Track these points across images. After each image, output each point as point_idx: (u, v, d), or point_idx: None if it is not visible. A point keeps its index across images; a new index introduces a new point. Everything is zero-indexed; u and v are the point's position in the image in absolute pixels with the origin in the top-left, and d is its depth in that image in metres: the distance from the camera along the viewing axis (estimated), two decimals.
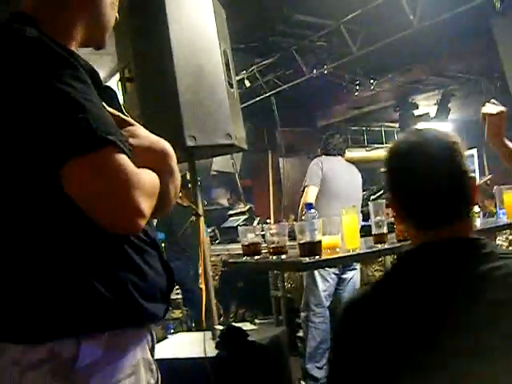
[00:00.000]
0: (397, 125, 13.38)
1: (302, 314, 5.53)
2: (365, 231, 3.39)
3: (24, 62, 1.29)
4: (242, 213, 8.96)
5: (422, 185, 1.55)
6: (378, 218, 2.92)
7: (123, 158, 1.31)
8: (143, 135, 1.51)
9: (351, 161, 6.05)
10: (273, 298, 6.29)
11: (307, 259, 2.59)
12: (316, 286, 5.29)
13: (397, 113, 12.35)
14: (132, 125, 1.53)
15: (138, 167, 1.36)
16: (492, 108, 2.47)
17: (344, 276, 5.44)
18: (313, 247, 2.61)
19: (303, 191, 5.50)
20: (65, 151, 1.25)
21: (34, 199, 1.35)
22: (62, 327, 1.35)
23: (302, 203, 5.36)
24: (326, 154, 5.75)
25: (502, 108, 2.46)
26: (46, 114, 1.26)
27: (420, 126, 12.87)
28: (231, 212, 9.38)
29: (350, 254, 2.78)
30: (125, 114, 1.55)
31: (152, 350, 1.59)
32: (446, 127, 12.86)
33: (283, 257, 2.78)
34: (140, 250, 1.49)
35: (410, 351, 1.43)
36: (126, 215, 1.32)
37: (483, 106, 2.59)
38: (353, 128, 14.58)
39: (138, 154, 1.41)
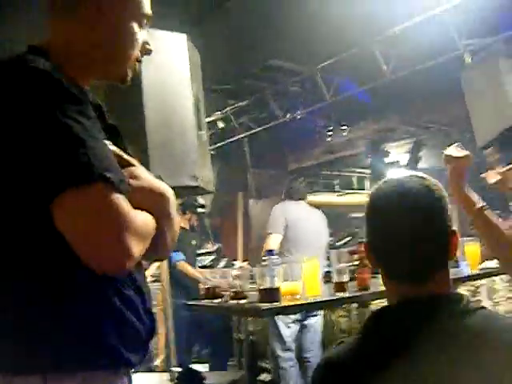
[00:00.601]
0: (368, 171, 13.49)
1: (271, 364, 5.43)
2: (330, 277, 3.39)
3: (30, 93, 1.29)
4: (210, 253, 8.91)
5: (401, 238, 1.50)
6: (340, 265, 2.93)
7: (117, 197, 1.28)
8: (144, 177, 1.49)
9: (320, 205, 6.07)
10: (235, 341, 6.26)
11: (266, 305, 2.58)
12: (279, 332, 5.24)
13: (368, 159, 12.46)
14: (134, 165, 1.51)
15: (135, 208, 1.34)
16: (457, 151, 2.41)
17: (306, 322, 5.40)
18: (272, 293, 2.61)
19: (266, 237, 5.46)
20: (59, 182, 1.24)
21: (21, 234, 1.33)
22: (28, 363, 1.33)
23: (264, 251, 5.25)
24: (289, 199, 5.74)
25: (467, 152, 2.40)
26: (46, 146, 1.25)
27: (402, 172, 12.99)
28: (199, 251, 9.32)
29: (309, 301, 2.78)
30: (128, 154, 1.53)
31: None
32: None
33: (242, 302, 2.77)
34: (123, 295, 1.44)
35: None
36: (114, 255, 1.29)
37: (446, 149, 2.53)
38: (324, 173, 14.66)
39: (136, 196, 1.38)
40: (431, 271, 1.51)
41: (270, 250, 2.87)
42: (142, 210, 1.38)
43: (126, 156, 1.51)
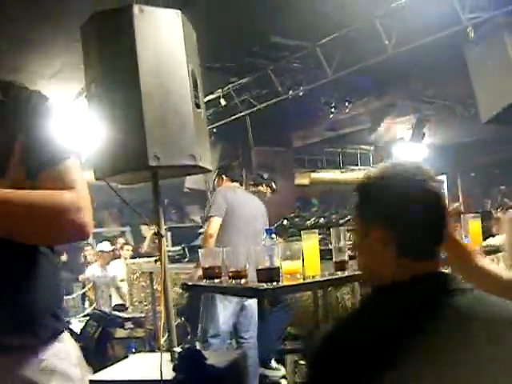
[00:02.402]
0: (372, 147, 13.48)
1: (198, 345, 5.35)
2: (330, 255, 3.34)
3: None
4: None
5: (421, 215, 1.53)
6: (340, 243, 2.89)
7: None
8: None
9: (323, 182, 6.05)
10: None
11: (265, 285, 2.55)
12: (216, 315, 5.21)
13: (372, 136, 12.41)
14: None
15: None
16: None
17: (245, 303, 5.43)
18: (271, 273, 2.58)
19: (206, 220, 5.51)
20: None
21: None
22: None
23: (206, 234, 5.38)
24: (233, 181, 5.79)
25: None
26: None
27: (396, 152, 12.96)
28: (202, 230, 9.27)
29: (309, 281, 2.74)
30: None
31: None
32: (421, 151, 12.97)
33: (242, 281, 2.74)
34: None
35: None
36: None
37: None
38: (328, 150, 14.63)
39: None
40: (437, 251, 1.57)
41: (269, 229, 2.84)
42: None
43: None
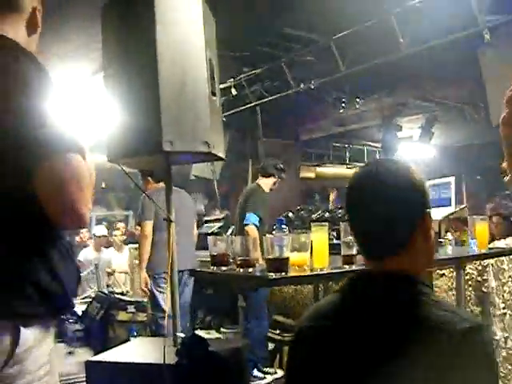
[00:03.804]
0: (379, 144, 13.45)
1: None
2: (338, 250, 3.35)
3: None
4: (218, 220, 8.91)
5: (365, 216, 1.58)
6: (348, 238, 2.90)
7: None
8: None
9: (329, 177, 6.04)
10: (240, 308, 6.27)
11: (273, 275, 2.56)
12: (159, 302, 5.71)
13: (380, 133, 12.39)
14: None
15: None
16: None
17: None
18: (280, 263, 2.58)
19: (139, 225, 6.03)
20: None
21: None
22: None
23: (141, 236, 5.86)
24: (157, 182, 5.98)
25: None
26: None
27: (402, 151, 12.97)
28: (207, 218, 9.32)
29: (317, 273, 2.76)
30: None
31: None
32: (429, 152, 12.95)
33: (250, 270, 2.75)
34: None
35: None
36: None
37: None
38: (335, 144, 14.62)
39: None
40: (387, 251, 1.56)
41: (280, 220, 2.84)
42: None
43: None
